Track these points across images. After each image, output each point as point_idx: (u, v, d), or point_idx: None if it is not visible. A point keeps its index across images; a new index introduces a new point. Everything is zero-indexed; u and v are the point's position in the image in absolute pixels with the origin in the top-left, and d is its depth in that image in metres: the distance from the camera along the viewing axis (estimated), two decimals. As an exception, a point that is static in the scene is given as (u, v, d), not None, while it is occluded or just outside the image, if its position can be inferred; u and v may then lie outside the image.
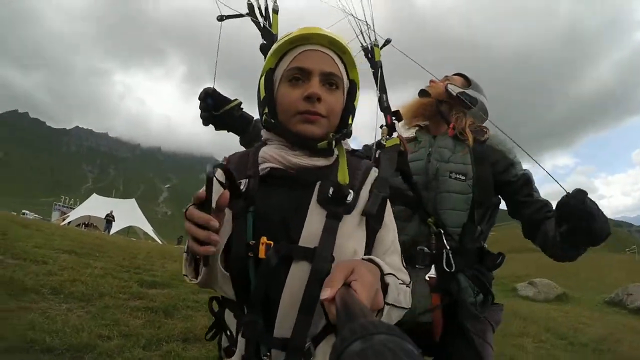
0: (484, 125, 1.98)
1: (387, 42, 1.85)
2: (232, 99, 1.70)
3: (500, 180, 1.79)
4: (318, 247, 0.93)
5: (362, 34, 1.82)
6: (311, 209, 0.99)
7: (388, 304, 0.87)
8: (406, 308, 0.99)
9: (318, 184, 1.03)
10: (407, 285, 1.04)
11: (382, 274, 0.89)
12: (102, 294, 5.22)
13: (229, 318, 1.04)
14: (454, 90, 1.94)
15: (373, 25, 1.81)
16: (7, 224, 8.99)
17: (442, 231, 1.69)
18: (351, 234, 1.00)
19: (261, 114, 1.14)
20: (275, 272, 0.92)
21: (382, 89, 1.71)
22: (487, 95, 2.05)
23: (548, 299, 13.31)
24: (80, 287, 5.30)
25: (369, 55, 1.80)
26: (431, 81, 2.05)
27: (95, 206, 37.41)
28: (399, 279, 0.97)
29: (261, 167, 1.07)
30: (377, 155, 1.53)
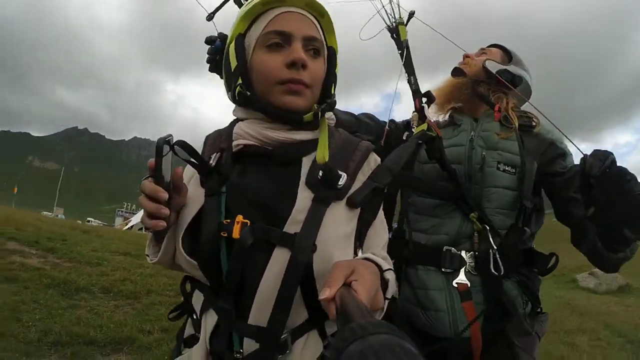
0: (524, 110, 1.68)
1: (411, 14, 1.66)
2: None
3: (547, 172, 1.50)
4: (299, 234, 0.84)
5: (384, 9, 1.64)
6: (301, 190, 0.89)
7: (387, 299, 0.82)
8: (395, 298, 0.95)
9: (304, 161, 0.94)
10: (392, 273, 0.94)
11: (382, 271, 0.83)
12: (150, 292, 5.47)
13: (197, 301, 0.94)
14: (494, 67, 1.64)
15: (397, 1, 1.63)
16: (68, 231, 9.60)
17: (488, 227, 1.43)
18: (339, 223, 0.90)
19: (231, 87, 1.00)
20: (250, 255, 0.83)
21: (410, 71, 1.56)
22: (530, 71, 1.74)
23: (610, 291, 12.61)
24: (129, 285, 5.58)
25: (394, 35, 1.63)
26: (465, 56, 1.76)
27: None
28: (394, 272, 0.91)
29: (234, 143, 0.96)
30: (405, 138, 1.42)
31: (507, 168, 1.47)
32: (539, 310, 1.50)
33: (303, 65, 0.91)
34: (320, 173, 0.90)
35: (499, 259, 1.39)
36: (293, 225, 0.85)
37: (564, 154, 1.52)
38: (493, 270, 1.38)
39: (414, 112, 1.50)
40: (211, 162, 0.92)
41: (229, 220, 0.84)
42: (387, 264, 0.88)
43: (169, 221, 0.86)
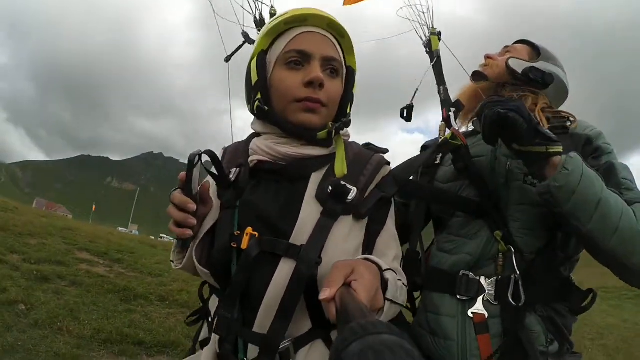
0: (563, 110, 1.43)
1: (435, 34, 1.61)
2: None
3: None
4: (305, 246, 0.86)
5: (418, 22, 1.60)
6: (306, 203, 0.92)
7: (387, 299, 0.81)
8: (402, 305, 0.92)
9: (313, 176, 0.96)
10: (404, 284, 0.95)
11: (381, 270, 0.83)
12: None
13: (213, 305, 0.98)
14: (519, 66, 1.44)
15: (432, 11, 1.59)
16: (137, 245, 10.23)
17: (513, 249, 1.21)
18: (347, 237, 0.91)
19: (250, 101, 1.03)
20: (257, 266, 0.86)
21: (440, 81, 1.51)
22: (563, 67, 1.52)
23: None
24: (184, 295, 5.84)
25: (427, 46, 1.59)
26: (487, 56, 1.56)
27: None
28: (397, 275, 0.90)
29: (250, 159, 1.00)
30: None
31: (535, 181, 1.22)
32: (568, 348, 1.24)
33: (320, 84, 0.94)
34: (330, 188, 0.92)
35: (521, 286, 1.18)
36: (299, 238, 0.87)
37: (599, 148, 1.28)
38: (511, 299, 1.17)
39: (441, 122, 1.42)
40: (231, 176, 0.97)
41: (239, 232, 0.88)
42: (385, 264, 0.87)
43: (195, 230, 0.92)
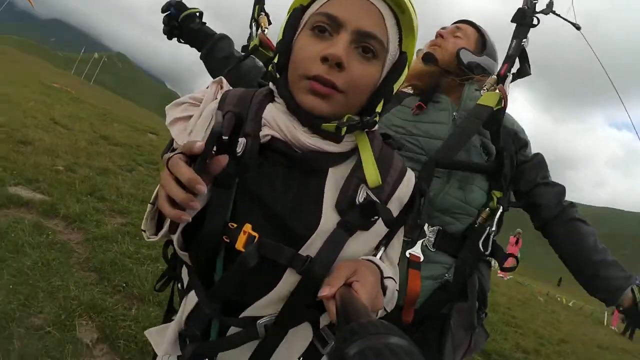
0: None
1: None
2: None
3: (516, 162, 1.53)
4: (314, 260, 0.73)
5: None
6: (326, 208, 0.77)
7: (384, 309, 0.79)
8: (387, 311, 0.83)
9: (330, 172, 0.81)
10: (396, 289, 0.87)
11: (383, 277, 0.77)
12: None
13: (185, 273, 0.85)
14: (467, 58, 1.54)
15: None
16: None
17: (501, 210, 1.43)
18: (359, 253, 0.80)
19: (270, 63, 0.86)
20: (252, 272, 0.72)
21: (520, 33, 1.48)
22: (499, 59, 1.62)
23: None
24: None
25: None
26: (439, 34, 1.61)
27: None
28: (395, 282, 0.84)
29: (262, 133, 0.79)
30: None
31: (482, 153, 1.46)
32: (484, 313, 1.48)
33: (338, 64, 0.73)
34: (363, 196, 0.80)
35: (491, 239, 1.41)
36: (310, 247, 0.74)
37: (527, 144, 1.56)
38: (481, 247, 1.39)
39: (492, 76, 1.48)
40: (238, 149, 0.75)
41: (235, 225, 0.72)
42: (389, 270, 0.82)
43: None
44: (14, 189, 3.96)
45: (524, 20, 1.44)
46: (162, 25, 1.51)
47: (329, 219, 0.76)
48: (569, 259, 1.52)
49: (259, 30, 1.52)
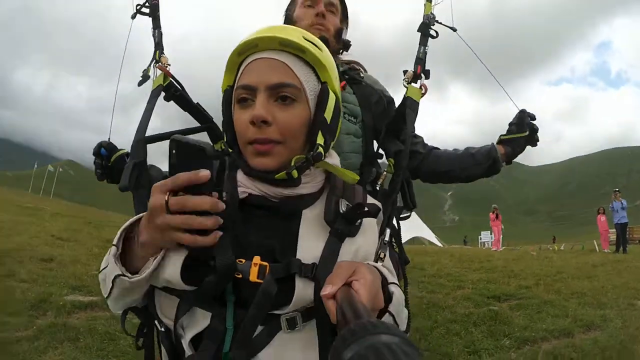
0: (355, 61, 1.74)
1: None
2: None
3: (382, 119, 1.60)
4: (319, 265, 0.81)
5: None
6: (301, 238, 0.86)
7: (389, 312, 0.78)
8: (398, 323, 0.83)
9: (304, 214, 0.90)
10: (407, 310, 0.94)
11: (386, 283, 0.82)
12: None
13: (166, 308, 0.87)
14: (344, 36, 1.70)
15: None
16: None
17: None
18: (354, 256, 0.88)
19: (224, 138, 0.98)
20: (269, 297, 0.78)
21: (423, 42, 1.54)
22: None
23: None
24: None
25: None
26: (321, 12, 1.61)
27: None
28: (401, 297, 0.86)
29: (240, 190, 0.89)
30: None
31: (351, 118, 1.55)
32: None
33: (264, 121, 0.82)
34: (344, 205, 0.90)
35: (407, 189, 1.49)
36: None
37: (392, 101, 1.68)
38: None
39: (406, 70, 1.52)
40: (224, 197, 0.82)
41: (243, 261, 0.79)
42: (393, 277, 0.88)
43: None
44: (70, 297, 4.53)
45: (426, 31, 1.55)
46: (95, 168, 1.48)
47: (311, 241, 0.85)
48: (449, 170, 1.65)
49: (165, 67, 1.44)
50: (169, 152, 0.71)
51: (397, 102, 1.55)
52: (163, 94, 1.35)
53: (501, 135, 1.60)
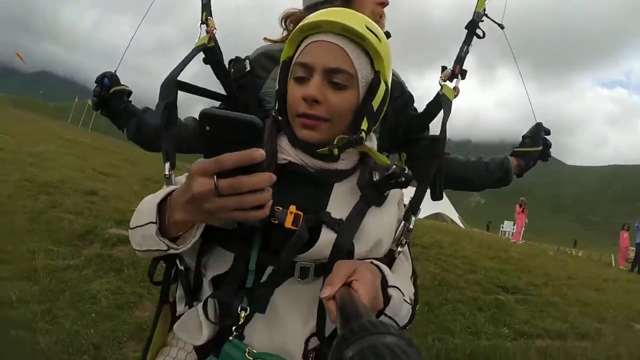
0: None
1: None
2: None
3: (400, 114, 1.55)
4: (344, 223, 0.88)
5: None
6: (331, 202, 0.92)
7: (386, 315, 0.80)
8: (399, 325, 0.88)
9: (336, 186, 0.96)
10: (411, 304, 0.94)
11: (387, 285, 0.82)
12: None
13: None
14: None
15: None
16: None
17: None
18: (374, 226, 0.93)
19: (275, 105, 1.02)
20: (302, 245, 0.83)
21: (467, 41, 1.52)
22: None
23: None
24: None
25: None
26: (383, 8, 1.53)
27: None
28: (404, 295, 0.88)
29: (281, 156, 0.95)
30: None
31: None
32: None
33: (315, 100, 0.88)
34: (377, 175, 0.95)
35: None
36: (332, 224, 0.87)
37: (412, 99, 1.59)
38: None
39: (446, 67, 1.48)
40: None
41: (280, 208, 0.84)
42: (394, 279, 0.86)
43: None
44: (113, 230, 4.94)
45: (474, 30, 1.52)
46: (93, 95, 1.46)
47: (342, 203, 0.92)
48: (463, 177, 1.59)
49: (211, 29, 1.40)
50: (199, 127, 0.63)
51: (420, 98, 1.53)
52: (203, 55, 1.32)
53: (515, 148, 1.60)
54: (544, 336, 4.51)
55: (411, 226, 1.06)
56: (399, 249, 1.01)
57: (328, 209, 0.89)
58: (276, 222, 0.83)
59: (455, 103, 1.37)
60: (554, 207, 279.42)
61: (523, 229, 18.72)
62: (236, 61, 1.39)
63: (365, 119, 0.93)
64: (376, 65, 0.94)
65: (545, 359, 3.93)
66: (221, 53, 1.36)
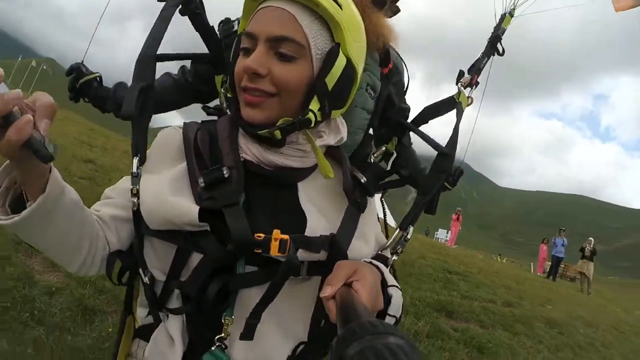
0: None
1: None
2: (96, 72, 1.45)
3: (393, 100, 1.49)
4: (338, 234, 0.80)
5: None
6: (306, 208, 0.82)
7: (389, 315, 0.76)
8: (398, 320, 0.81)
9: (299, 186, 0.86)
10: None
11: (386, 284, 0.79)
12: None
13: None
14: None
15: None
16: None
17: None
18: (369, 232, 0.90)
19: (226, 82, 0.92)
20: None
21: (488, 54, 1.52)
22: None
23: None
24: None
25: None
26: None
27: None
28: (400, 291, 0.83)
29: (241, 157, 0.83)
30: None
31: (370, 92, 1.38)
32: None
33: (255, 73, 0.75)
34: (364, 179, 0.91)
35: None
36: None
37: (405, 90, 1.57)
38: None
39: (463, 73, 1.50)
40: (224, 173, 0.78)
41: (261, 236, 0.73)
42: (393, 279, 0.84)
43: None
44: None
45: (496, 44, 1.51)
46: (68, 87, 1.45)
47: (314, 217, 0.81)
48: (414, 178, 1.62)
49: None
50: None
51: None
52: (180, 6, 1.11)
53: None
54: (479, 300, 6.15)
55: (409, 236, 1.05)
56: (394, 257, 0.99)
57: (308, 219, 0.80)
58: (260, 251, 0.73)
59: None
60: (480, 225, 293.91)
61: (456, 236, 20.91)
62: (225, 22, 1.39)
63: (316, 97, 0.79)
64: (335, 36, 0.80)
65: (485, 311, 5.51)
66: (203, 7, 1.18)
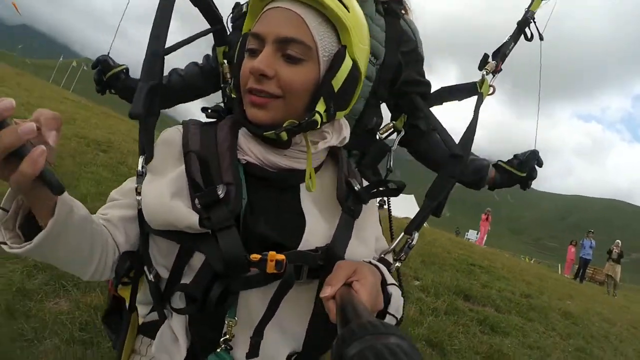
0: None
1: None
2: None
3: (408, 67, 1.44)
4: (333, 244, 0.79)
5: None
6: (307, 213, 0.83)
7: (389, 313, 0.77)
8: (397, 319, 0.82)
9: (302, 186, 0.86)
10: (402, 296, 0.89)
11: (385, 283, 0.80)
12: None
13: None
14: None
15: None
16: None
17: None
18: (368, 237, 0.91)
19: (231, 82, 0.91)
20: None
21: (515, 38, 1.44)
22: None
23: None
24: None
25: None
26: None
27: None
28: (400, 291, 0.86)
29: (240, 158, 0.83)
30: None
31: (371, 58, 1.32)
32: None
33: (262, 74, 0.76)
34: (357, 187, 0.88)
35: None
36: (308, 244, 0.80)
37: (422, 60, 1.51)
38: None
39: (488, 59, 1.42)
40: (219, 193, 0.75)
41: (257, 257, 0.72)
42: (392, 278, 0.86)
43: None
44: None
45: (524, 28, 1.45)
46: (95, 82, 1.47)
47: (313, 219, 0.82)
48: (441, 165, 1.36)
49: None
50: None
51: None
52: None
53: (499, 161, 1.47)
54: (499, 290, 6.56)
55: (413, 242, 1.03)
56: (397, 264, 1.00)
57: (307, 227, 0.80)
58: (255, 270, 0.73)
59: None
60: (513, 228, 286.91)
61: (486, 236, 21.06)
62: (236, 6, 1.39)
63: (322, 99, 0.79)
64: (342, 39, 0.81)
65: (502, 298, 5.96)
66: None
